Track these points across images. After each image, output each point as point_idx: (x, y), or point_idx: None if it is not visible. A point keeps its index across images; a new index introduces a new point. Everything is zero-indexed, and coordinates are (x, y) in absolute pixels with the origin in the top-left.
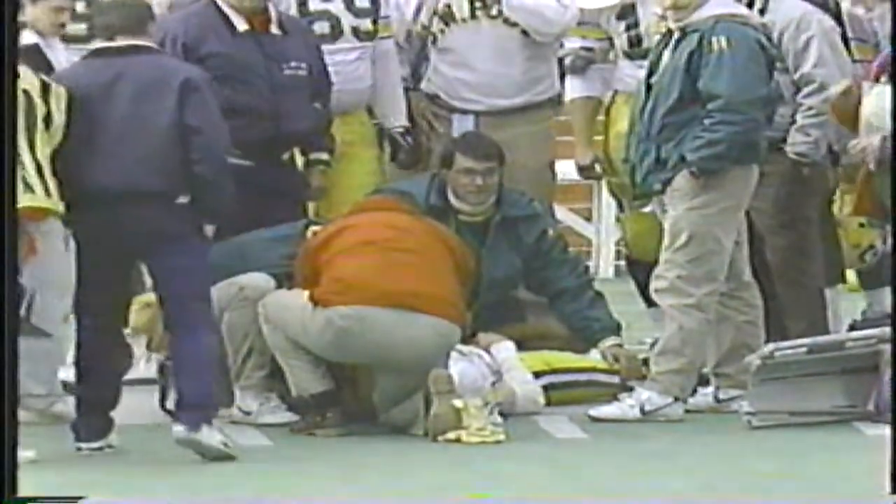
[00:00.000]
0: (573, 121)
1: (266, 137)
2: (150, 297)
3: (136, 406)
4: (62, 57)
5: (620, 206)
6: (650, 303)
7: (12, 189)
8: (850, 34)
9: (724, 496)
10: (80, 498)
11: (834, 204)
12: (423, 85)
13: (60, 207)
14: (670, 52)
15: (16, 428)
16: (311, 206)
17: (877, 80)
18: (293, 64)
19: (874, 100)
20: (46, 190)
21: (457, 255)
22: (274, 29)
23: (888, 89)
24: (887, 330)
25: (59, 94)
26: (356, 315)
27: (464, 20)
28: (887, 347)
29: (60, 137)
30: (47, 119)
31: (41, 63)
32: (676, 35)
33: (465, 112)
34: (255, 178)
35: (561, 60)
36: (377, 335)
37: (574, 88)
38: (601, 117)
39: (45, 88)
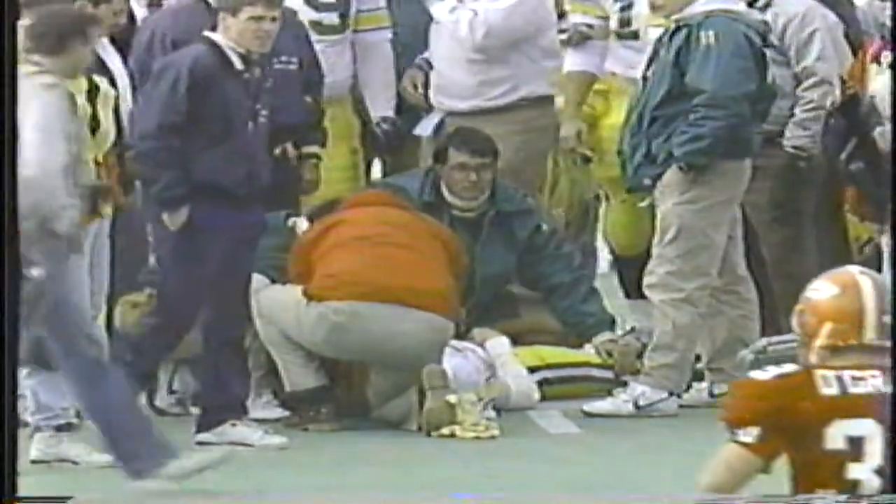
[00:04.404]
0: (564, 93)
1: None
2: (137, 296)
3: None
4: (117, 60)
5: (608, 198)
6: (629, 295)
7: (12, 189)
8: (863, 27)
9: None
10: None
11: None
12: None
13: (106, 211)
14: (664, 47)
15: (16, 428)
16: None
17: (876, 61)
18: (283, 58)
19: (881, 84)
20: None
21: (451, 251)
22: None
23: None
24: None
25: (107, 98)
26: (350, 310)
27: (437, 22)
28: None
29: (110, 143)
30: (93, 122)
31: (99, 67)
32: (671, 29)
33: (435, 110)
34: None
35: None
36: (371, 330)
37: (570, 62)
38: (592, 109)
39: (92, 91)
